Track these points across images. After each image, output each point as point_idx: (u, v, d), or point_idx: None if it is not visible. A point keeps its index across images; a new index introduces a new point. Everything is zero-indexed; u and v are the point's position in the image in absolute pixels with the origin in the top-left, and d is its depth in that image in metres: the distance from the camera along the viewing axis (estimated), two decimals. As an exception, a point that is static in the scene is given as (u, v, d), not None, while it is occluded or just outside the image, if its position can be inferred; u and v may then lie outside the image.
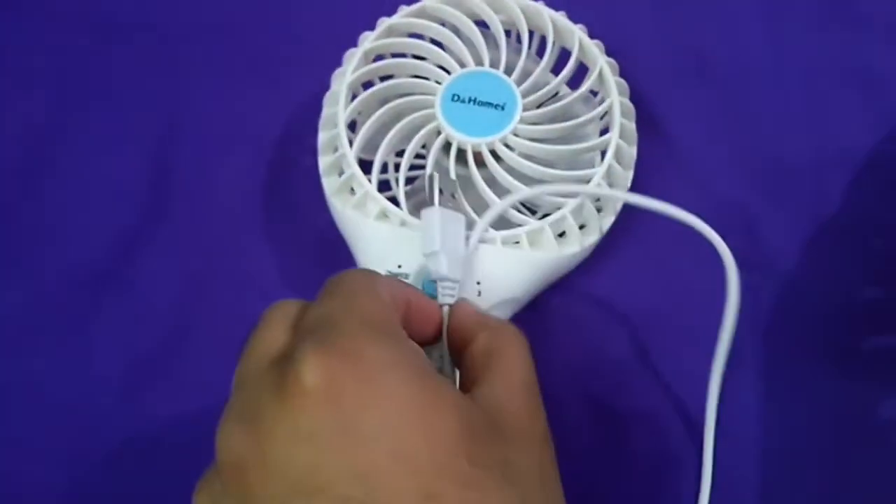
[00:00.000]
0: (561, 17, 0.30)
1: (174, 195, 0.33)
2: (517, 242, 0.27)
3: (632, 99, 0.30)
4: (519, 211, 0.28)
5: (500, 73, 0.28)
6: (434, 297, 0.25)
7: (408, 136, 0.28)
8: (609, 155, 0.27)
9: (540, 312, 0.30)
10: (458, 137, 0.27)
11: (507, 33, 0.30)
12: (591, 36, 0.30)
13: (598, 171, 0.27)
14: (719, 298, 0.30)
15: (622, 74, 0.30)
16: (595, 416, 0.29)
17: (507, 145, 0.28)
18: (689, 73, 0.35)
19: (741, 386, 0.29)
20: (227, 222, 0.31)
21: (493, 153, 0.27)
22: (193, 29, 0.36)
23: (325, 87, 0.30)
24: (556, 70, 0.29)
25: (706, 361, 0.29)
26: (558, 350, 0.29)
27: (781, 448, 0.28)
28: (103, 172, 0.33)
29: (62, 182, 0.33)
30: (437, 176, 0.25)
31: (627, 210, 0.29)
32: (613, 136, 0.28)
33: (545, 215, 0.28)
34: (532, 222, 0.27)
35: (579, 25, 0.30)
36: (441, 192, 0.25)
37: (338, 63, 0.30)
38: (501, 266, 0.26)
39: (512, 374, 0.21)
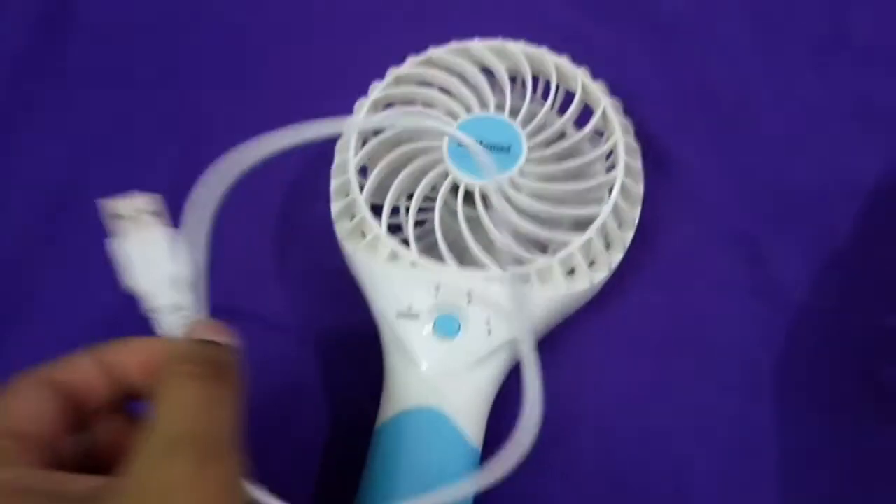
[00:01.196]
0: (564, 62, 0.30)
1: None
2: (527, 280, 0.27)
3: (638, 137, 0.30)
4: (529, 251, 0.29)
5: (504, 116, 0.29)
6: (448, 336, 0.26)
7: (417, 180, 0.29)
8: (615, 194, 0.28)
9: (551, 347, 0.30)
10: (466, 180, 0.28)
11: (513, 80, 0.30)
12: (594, 77, 0.30)
13: (605, 210, 0.28)
14: (745, 326, 0.30)
15: (627, 113, 0.31)
16: (606, 446, 0.28)
17: (513, 185, 0.28)
18: (692, 109, 0.35)
19: (754, 410, 0.29)
20: (242, 264, 0.32)
21: (503, 194, 0.28)
22: (209, 78, 0.37)
23: (338, 134, 0.31)
24: (561, 112, 0.30)
25: (729, 389, 0.29)
26: (569, 387, 0.29)
27: (797, 476, 0.28)
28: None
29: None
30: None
31: (635, 246, 0.29)
32: (618, 174, 0.28)
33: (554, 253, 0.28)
34: (540, 260, 0.27)
35: (581, 69, 0.31)
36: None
37: (350, 112, 0.31)
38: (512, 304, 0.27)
39: (155, 431, 0.18)
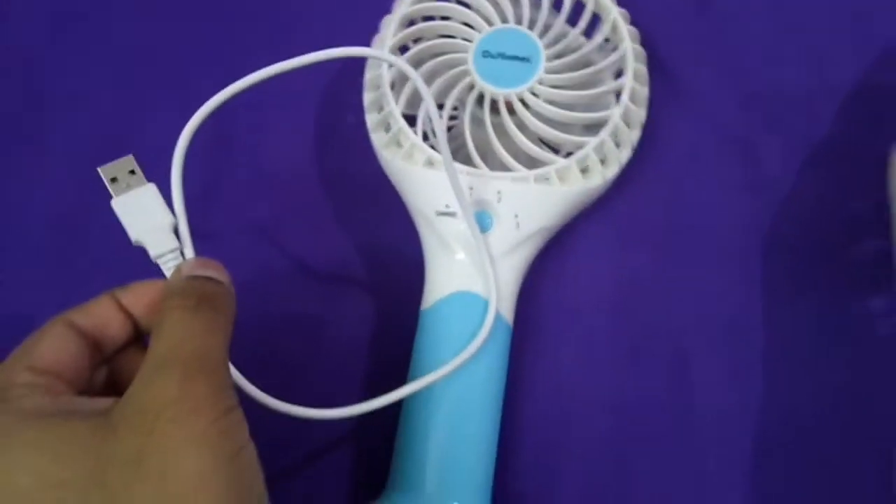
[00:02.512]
0: None
1: (234, 159, 0.36)
2: (548, 179, 0.31)
3: (642, 43, 0.33)
4: (546, 150, 0.32)
5: (524, 28, 0.32)
6: (482, 230, 0.29)
7: (445, 91, 0.32)
8: (625, 95, 0.31)
9: (569, 239, 0.34)
10: (491, 90, 0.31)
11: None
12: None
13: (616, 111, 0.31)
14: (736, 215, 0.34)
15: (632, 22, 0.33)
16: (617, 321, 0.33)
17: (534, 93, 0.31)
18: (690, 15, 0.38)
19: (745, 289, 0.33)
20: (286, 179, 0.35)
21: (522, 101, 0.31)
22: (235, 5, 0.39)
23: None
24: (571, 21, 0.33)
25: (723, 271, 0.33)
26: (586, 270, 0.34)
27: (781, 337, 0.32)
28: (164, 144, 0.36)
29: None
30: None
31: (641, 146, 0.32)
32: (628, 80, 0.31)
33: (568, 154, 0.32)
34: (560, 160, 0.31)
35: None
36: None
37: (371, 28, 0.33)
38: (535, 200, 0.30)
39: (149, 356, 0.20)
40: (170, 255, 0.24)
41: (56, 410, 0.20)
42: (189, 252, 0.24)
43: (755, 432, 0.31)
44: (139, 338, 0.24)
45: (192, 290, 0.22)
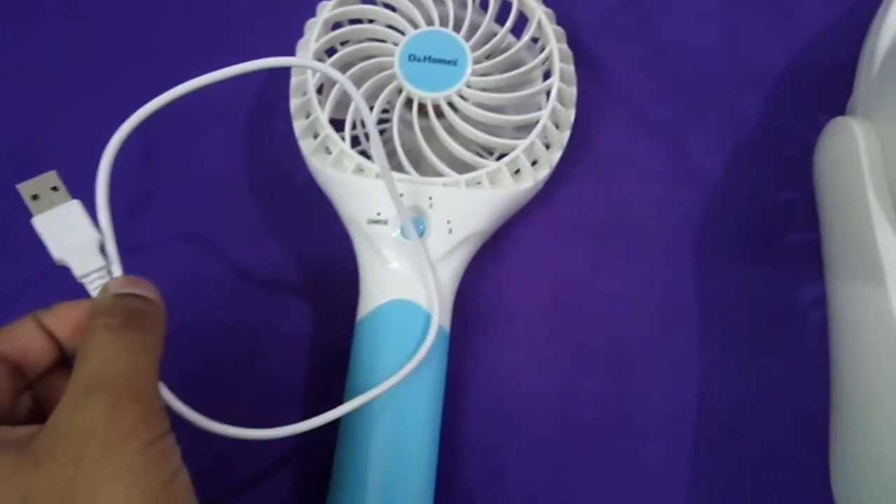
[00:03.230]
0: None
1: (159, 169, 0.35)
2: (479, 183, 0.30)
3: (569, 42, 0.33)
4: (478, 155, 0.32)
5: (449, 31, 0.31)
6: (418, 235, 0.29)
7: (373, 95, 0.31)
8: (552, 97, 0.31)
9: (503, 241, 0.34)
10: (419, 93, 0.31)
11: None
12: (527, -12, 0.33)
13: (544, 113, 0.31)
14: (669, 208, 0.35)
15: (558, 21, 0.33)
16: (554, 321, 0.33)
17: (462, 97, 0.31)
18: (618, 11, 0.38)
19: (679, 281, 0.34)
20: (214, 190, 0.34)
21: (451, 105, 0.31)
22: (158, 11, 0.38)
23: (288, 54, 0.33)
24: (500, 21, 0.33)
25: (657, 265, 0.34)
26: (523, 271, 0.34)
27: (715, 327, 0.33)
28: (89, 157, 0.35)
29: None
30: None
31: (572, 144, 0.33)
32: (555, 81, 0.31)
33: (500, 157, 0.31)
34: (491, 164, 0.31)
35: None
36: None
37: (297, 32, 0.33)
38: (467, 205, 0.30)
39: (74, 379, 0.19)
40: (95, 275, 0.23)
41: None
42: (117, 270, 0.23)
43: (694, 422, 0.32)
44: (65, 362, 0.23)
45: (119, 308, 0.21)
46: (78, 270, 0.23)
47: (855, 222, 0.28)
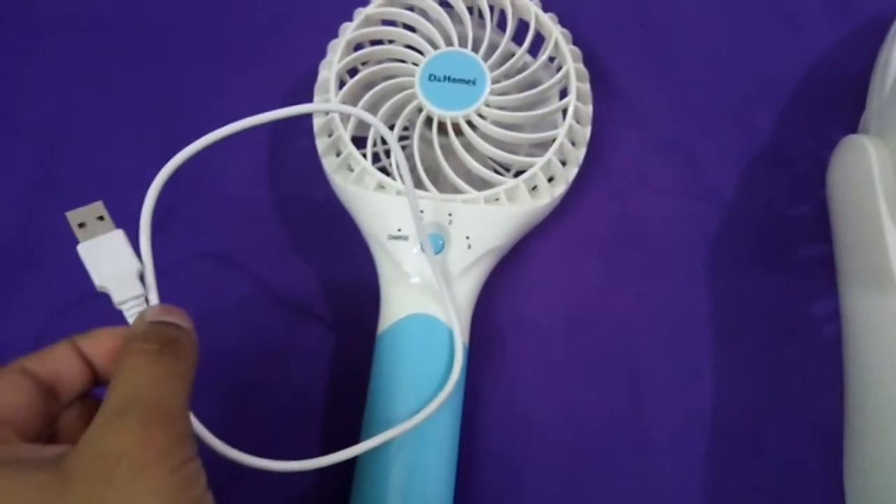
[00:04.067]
0: None
1: (182, 186, 0.36)
2: (497, 199, 0.31)
3: (584, 61, 0.34)
4: (496, 172, 0.32)
5: (468, 51, 0.32)
6: (435, 252, 0.30)
7: (394, 114, 0.32)
8: (569, 116, 0.32)
9: (522, 256, 0.34)
10: (438, 112, 0.31)
11: (470, 10, 0.33)
12: (544, 9, 0.34)
13: (561, 131, 0.32)
14: (683, 223, 0.35)
15: (574, 39, 0.34)
16: (569, 335, 0.34)
17: (480, 115, 0.32)
18: (631, 29, 0.39)
19: (693, 295, 0.34)
20: (236, 206, 0.35)
21: (470, 123, 0.32)
22: (179, 23, 0.39)
23: (311, 72, 0.34)
24: (516, 40, 0.33)
25: (672, 279, 0.34)
26: (539, 286, 0.34)
27: (729, 341, 0.34)
28: (108, 171, 0.36)
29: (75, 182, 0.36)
30: None
31: (587, 161, 0.33)
32: (571, 100, 0.32)
33: (518, 173, 0.32)
34: (508, 181, 0.31)
35: (533, 0, 0.34)
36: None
37: (319, 50, 0.34)
38: (486, 221, 0.31)
39: (107, 402, 0.20)
40: (133, 302, 0.24)
41: (5, 459, 0.20)
42: (154, 299, 0.24)
43: (708, 435, 0.32)
44: (94, 388, 0.24)
45: (156, 335, 0.22)
46: (117, 297, 0.24)
47: (868, 238, 0.28)
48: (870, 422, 0.29)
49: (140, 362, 0.21)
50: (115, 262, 0.24)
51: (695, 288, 0.34)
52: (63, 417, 0.24)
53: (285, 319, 0.33)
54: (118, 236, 0.24)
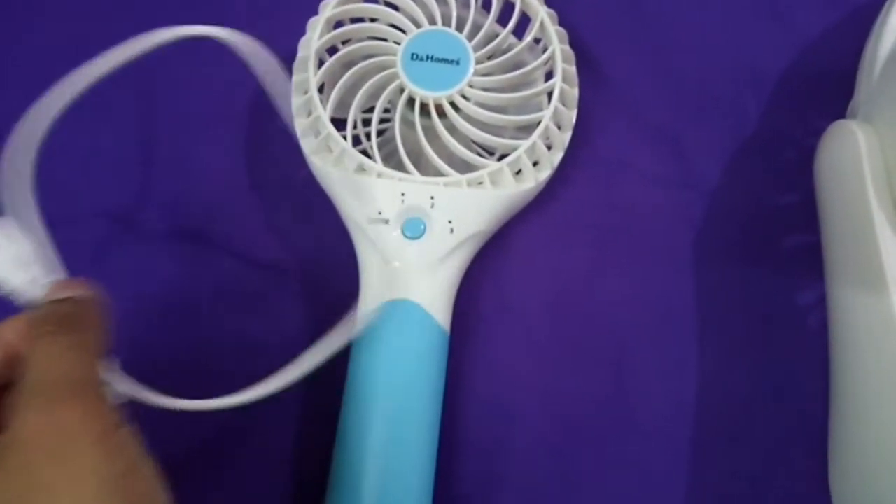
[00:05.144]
0: None
1: (159, 167, 0.35)
2: (481, 183, 0.30)
3: (571, 43, 0.33)
4: (480, 155, 0.32)
5: (452, 30, 0.31)
6: (416, 237, 0.29)
7: (374, 95, 0.31)
8: (555, 98, 0.31)
9: (505, 241, 0.34)
10: (421, 93, 0.31)
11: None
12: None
13: (546, 114, 0.31)
14: (669, 211, 0.35)
15: (560, 22, 0.33)
16: (555, 320, 0.33)
17: (464, 96, 0.31)
18: (620, 12, 0.38)
19: (679, 283, 0.34)
20: (216, 189, 0.34)
21: (453, 104, 0.31)
22: (158, 4, 0.38)
23: (289, 54, 0.32)
24: (501, 21, 0.33)
25: (656, 266, 0.34)
26: (523, 271, 0.34)
27: (714, 330, 0.33)
28: (84, 151, 0.35)
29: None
30: None
31: (573, 145, 0.33)
32: (557, 81, 0.31)
33: (502, 156, 0.31)
34: (492, 164, 0.31)
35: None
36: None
37: (299, 30, 0.33)
38: (469, 205, 0.30)
39: (19, 391, 0.19)
40: (32, 285, 0.23)
41: None
42: (52, 277, 0.23)
43: (693, 423, 0.32)
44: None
45: (51, 314, 0.22)
46: (14, 285, 0.23)
47: (856, 225, 0.28)
48: (856, 412, 0.29)
49: (41, 346, 0.20)
50: (7, 250, 0.23)
51: (680, 276, 0.34)
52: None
53: (262, 302, 0.33)
54: (4, 224, 0.23)
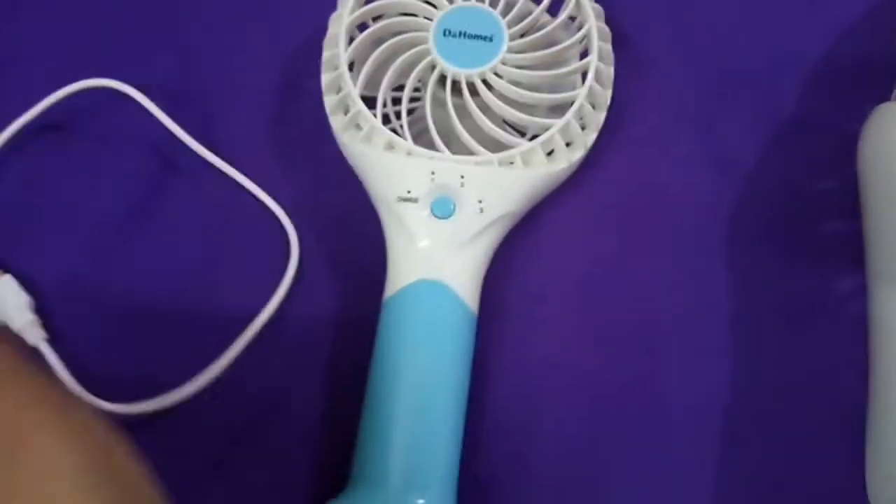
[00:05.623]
0: None
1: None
2: (512, 163, 0.30)
3: (606, 21, 0.32)
4: (511, 134, 0.31)
5: (485, 6, 0.31)
6: (445, 216, 0.29)
7: (405, 72, 0.31)
8: (590, 77, 0.30)
9: (534, 223, 0.33)
10: (452, 70, 0.30)
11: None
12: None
13: (581, 93, 0.30)
14: (703, 195, 0.34)
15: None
16: (585, 304, 0.32)
17: (497, 74, 0.30)
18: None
19: (711, 268, 0.33)
20: (242, 164, 0.34)
21: (485, 82, 0.30)
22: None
23: (318, 30, 0.32)
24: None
25: (688, 252, 0.33)
26: (553, 254, 0.33)
27: (747, 317, 0.32)
28: (110, 128, 0.35)
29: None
30: None
31: (605, 126, 0.32)
32: (593, 59, 0.31)
33: (534, 136, 0.31)
34: (524, 143, 0.30)
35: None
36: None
37: (329, 6, 0.32)
38: (499, 185, 0.30)
39: None
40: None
41: None
42: None
43: (725, 414, 0.31)
44: None
45: None
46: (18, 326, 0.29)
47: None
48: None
49: None
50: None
51: (714, 262, 0.33)
52: None
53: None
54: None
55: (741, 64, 0.36)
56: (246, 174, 0.33)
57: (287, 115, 0.35)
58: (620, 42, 0.34)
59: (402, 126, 0.30)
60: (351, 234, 0.33)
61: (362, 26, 0.32)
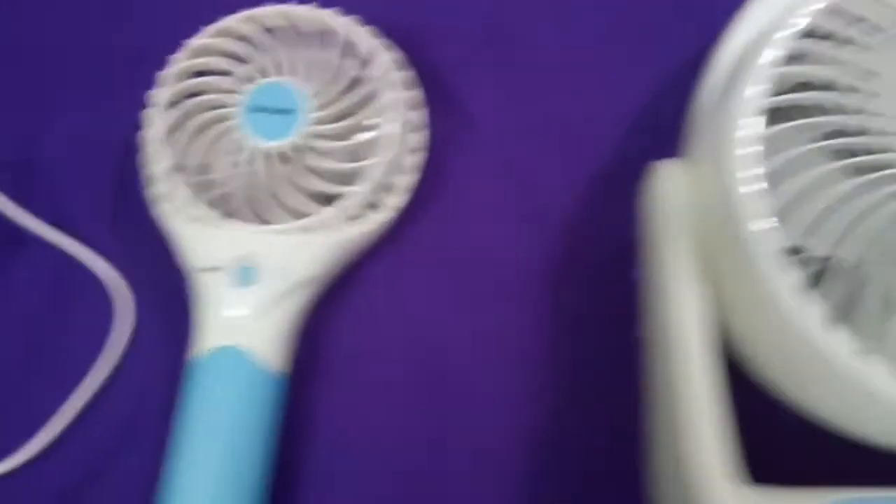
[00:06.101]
0: (345, 21, 0.33)
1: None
2: (312, 230, 0.31)
3: (423, 77, 0.33)
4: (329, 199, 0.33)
5: (289, 80, 0.32)
6: (248, 284, 0.30)
7: (213, 144, 0.32)
8: (392, 147, 0.32)
9: (356, 280, 0.34)
10: (257, 143, 0.32)
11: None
12: (377, 22, 0.34)
13: (383, 160, 0.32)
14: (523, 246, 0.35)
15: (419, 60, 0.34)
16: (402, 360, 0.34)
17: (301, 145, 0.32)
18: (475, 45, 0.38)
19: (532, 320, 0.34)
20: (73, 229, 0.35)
21: (289, 153, 0.32)
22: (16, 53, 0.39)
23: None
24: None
25: (507, 304, 0.34)
26: (372, 312, 0.34)
27: (573, 367, 0.33)
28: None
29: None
30: None
31: (427, 184, 0.33)
32: (396, 128, 0.32)
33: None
34: (324, 210, 0.31)
35: (365, 28, 0.34)
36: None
37: (152, 83, 0.34)
38: (300, 251, 0.31)
39: None
40: None
41: None
42: None
43: (542, 462, 0.32)
44: None
45: None
46: None
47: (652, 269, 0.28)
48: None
49: None
50: None
51: (530, 312, 0.34)
52: None
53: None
54: None
55: (564, 116, 0.37)
56: (79, 238, 0.35)
57: (122, 182, 0.36)
58: (442, 95, 0.35)
59: (209, 198, 0.32)
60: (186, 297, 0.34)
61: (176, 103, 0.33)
